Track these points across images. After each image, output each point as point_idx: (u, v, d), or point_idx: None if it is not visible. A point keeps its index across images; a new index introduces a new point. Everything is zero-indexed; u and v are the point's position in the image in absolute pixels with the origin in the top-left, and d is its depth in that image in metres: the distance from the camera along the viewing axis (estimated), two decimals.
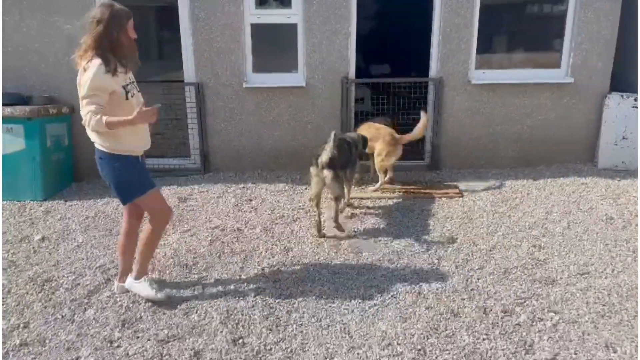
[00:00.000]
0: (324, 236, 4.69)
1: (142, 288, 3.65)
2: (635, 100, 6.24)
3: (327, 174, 4.61)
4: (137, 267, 3.69)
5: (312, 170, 4.77)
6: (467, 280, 3.96)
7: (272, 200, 5.60)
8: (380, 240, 4.63)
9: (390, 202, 5.53)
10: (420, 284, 3.91)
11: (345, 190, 5.24)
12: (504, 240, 4.63)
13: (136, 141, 3.41)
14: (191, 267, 4.16)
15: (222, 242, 4.60)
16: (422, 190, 5.80)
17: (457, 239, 4.66)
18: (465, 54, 6.23)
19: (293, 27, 6.16)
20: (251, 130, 6.40)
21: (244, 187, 5.95)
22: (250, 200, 5.59)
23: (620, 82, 6.53)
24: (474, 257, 4.34)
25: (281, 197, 5.69)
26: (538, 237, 4.69)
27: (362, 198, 5.61)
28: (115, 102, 3.24)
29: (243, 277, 4.03)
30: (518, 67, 6.51)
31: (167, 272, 4.09)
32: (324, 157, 4.60)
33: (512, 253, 4.40)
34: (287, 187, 5.94)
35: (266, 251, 4.45)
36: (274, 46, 6.40)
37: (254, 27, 6.13)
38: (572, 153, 6.59)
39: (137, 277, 3.68)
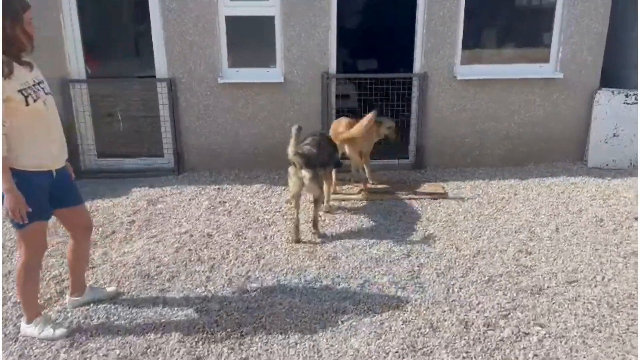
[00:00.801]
0: (299, 241, 4.42)
1: (36, 331, 3.15)
2: (627, 96, 6.01)
3: (306, 173, 4.34)
4: (24, 310, 3.18)
5: (290, 170, 4.50)
6: (448, 290, 3.70)
7: (247, 202, 5.32)
8: (358, 246, 4.37)
9: (371, 203, 5.26)
10: (399, 294, 3.65)
11: (325, 191, 4.98)
12: (489, 245, 4.39)
13: (40, 155, 2.89)
14: (153, 278, 3.87)
15: (190, 249, 4.31)
16: (405, 193, 5.54)
17: (439, 243, 4.41)
18: (451, 49, 5.96)
19: (270, 19, 5.85)
20: (227, 128, 6.11)
21: (218, 188, 5.66)
22: (224, 202, 5.31)
23: (610, 78, 6.30)
24: (457, 263, 4.09)
25: (257, 198, 5.41)
26: (525, 241, 4.45)
27: (343, 199, 5.34)
28: (13, 110, 2.72)
29: (209, 287, 3.75)
30: (505, 62, 6.24)
31: (127, 283, 3.80)
32: (290, 149, 4.33)
33: (497, 259, 4.15)
34: (264, 188, 5.66)
35: (236, 259, 4.17)
36: (250, 40, 6.10)
37: (229, 19, 5.83)
38: (562, 151, 6.36)
39: (29, 321, 3.18)
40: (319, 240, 4.49)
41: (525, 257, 4.19)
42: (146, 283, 3.80)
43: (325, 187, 4.91)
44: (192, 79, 5.92)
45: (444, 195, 5.44)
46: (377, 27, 8.89)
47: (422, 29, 5.91)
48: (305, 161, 4.35)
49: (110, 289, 3.65)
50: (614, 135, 6.16)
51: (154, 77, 5.96)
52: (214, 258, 4.17)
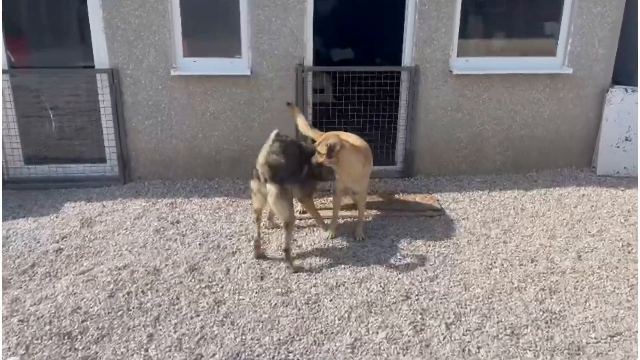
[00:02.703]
0: (262, 256, 3.68)
1: None
2: None
3: (271, 188, 3.45)
4: None
5: (253, 184, 3.60)
6: (464, 351, 2.88)
7: (206, 221, 4.37)
8: (344, 283, 3.50)
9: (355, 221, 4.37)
10: (401, 359, 2.80)
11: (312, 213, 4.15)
12: (504, 281, 3.58)
13: None
14: (75, 339, 2.91)
15: (129, 292, 3.35)
16: (396, 209, 4.69)
17: (443, 279, 3.58)
18: (446, 38, 5.11)
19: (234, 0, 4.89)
20: (184, 130, 5.12)
21: (172, 203, 4.69)
22: (178, 222, 4.35)
23: (621, 75, 5.57)
24: (468, 308, 3.27)
25: (219, 215, 4.47)
26: (545, 274, 3.67)
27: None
28: None
29: (150, 352, 2.82)
30: (507, 54, 5.44)
31: (39, 348, 2.83)
32: (261, 158, 3.46)
33: (517, 301, 3.35)
34: (227, 203, 4.72)
35: (189, 305, 3.24)
36: (211, 24, 5.11)
37: None
38: (567, 156, 5.62)
39: None
40: (294, 274, 3.60)
41: (550, 297, 3.39)
42: (65, 348, 2.84)
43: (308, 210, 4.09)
44: (139, 70, 4.90)
45: (440, 212, 4.62)
46: (362, 12, 7.96)
47: (414, 14, 5.04)
48: (272, 173, 3.46)
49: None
50: (627, 139, 5.45)
51: (91, 67, 4.92)
52: (160, 305, 3.23)
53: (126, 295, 3.31)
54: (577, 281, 3.59)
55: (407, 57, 5.22)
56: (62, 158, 5.20)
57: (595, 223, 4.44)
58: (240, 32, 4.97)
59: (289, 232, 3.61)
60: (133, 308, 3.19)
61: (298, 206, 4.44)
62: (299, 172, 3.84)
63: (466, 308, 3.27)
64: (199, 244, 3.98)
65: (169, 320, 3.09)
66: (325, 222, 4.23)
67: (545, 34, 5.50)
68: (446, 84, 5.24)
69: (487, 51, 5.47)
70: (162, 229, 4.20)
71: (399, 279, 3.58)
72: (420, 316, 3.18)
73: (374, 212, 4.59)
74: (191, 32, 4.97)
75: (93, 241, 4.01)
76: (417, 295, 3.40)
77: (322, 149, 3.75)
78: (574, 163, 5.64)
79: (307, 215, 4.35)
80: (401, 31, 5.21)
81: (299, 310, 3.21)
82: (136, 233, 4.14)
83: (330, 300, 3.32)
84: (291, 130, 5.16)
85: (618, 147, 5.47)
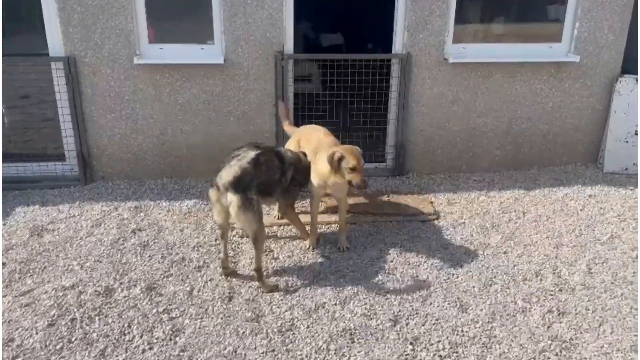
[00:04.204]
0: (231, 274, 3.29)
1: None
2: None
3: (233, 198, 2.99)
4: None
5: (211, 193, 3.14)
6: None
7: (172, 229, 3.91)
8: (324, 305, 3.05)
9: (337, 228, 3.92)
10: None
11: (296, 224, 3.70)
12: (505, 300, 3.15)
13: None
14: None
15: (73, 318, 2.89)
16: (385, 213, 4.24)
17: (437, 297, 3.14)
18: (441, 22, 4.62)
19: None
20: (150, 124, 4.62)
21: (136, 208, 4.21)
22: (141, 230, 3.87)
23: (630, 63, 5.10)
24: (466, 336, 2.83)
25: (187, 222, 4.00)
26: (552, 292, 3.24)
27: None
28: None
29: None
30: (507, 40, 4.96)
31: None
32: (225, 175, 3.00)
33: (522, 325, 2.92)
34: (197, 207, 4.25)
35: (141, 336, 2.78)
36: (179, 5, 4.59)
37: None
38: (572, 152, 5.18)
39: None
40: (267, 295, 3.14)
41: (559, 321, 2.97)
42: None
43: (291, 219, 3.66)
44: (98, 57, 4.38)
45: (434, 216, 4.17)
46: None
47: None
48: (234, 181, 3.00)
49: None
50: (636, 133, 5.01)
51: (46, 55, 4.40)
52: (108, 335, 2.77)
53: (69, 323, 2.84)
54: (589, 300, 3.16)
55: (398, 43, 4.73)
56: (17, 155, 4.69)
57: (605, 228, 4.01)
58: (212, 15, 4.46)
59: (259, 249, 3.14)
60: (76, 340, 2.73)
61: (272, 211, 4.00)
62: (279, 181, 3.38)
63: (463, 336, 2.83)
64: (162, 257, 3.51)
65: (117, 356, 2.63)
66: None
67: (549, 18, 5.03)
68: (441, 73, 4.76)
69: (485, 37, 5.00)
70: (121, 239, 3.72)
71: (386, 298, 3.14)
72: (410, 346, 2.74)
73: (361, 216, 4.14)
74: (157, 14, 4.46)
75: (41, 254, 3.54)
76: (407, 319, 2.96)
77: (354, 162, 3.27)
78: (579, 159, 5.21)
79: (285, 221, 3.90)
80: (392, 14, 4.72)
81: (270, 340, 2.76)
82: (91, 244, 3.66)
83: (307, 327, 2.87)
84: (271, 125, 4.71)
85: (627, 141, 5.03)
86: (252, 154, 3.18)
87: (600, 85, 4.98)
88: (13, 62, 4.41)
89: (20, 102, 4.93)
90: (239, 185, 3.00)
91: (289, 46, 4.61)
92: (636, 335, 2.86)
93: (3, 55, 4.39)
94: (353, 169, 3.27)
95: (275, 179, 3.33)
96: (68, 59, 4.32)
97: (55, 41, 4.34)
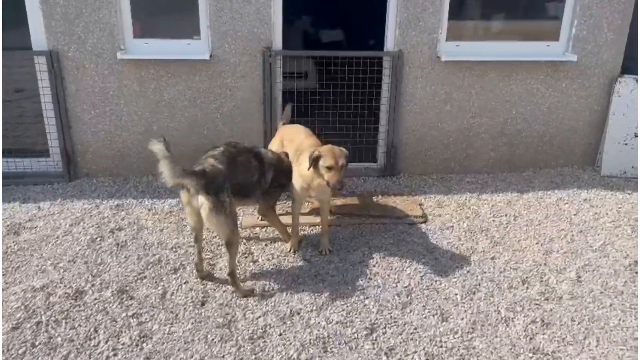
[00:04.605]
0: (207, 277, 3.21)
1: None
2: None
3: (203, 201, 2.89)
4: None
5: (182, 195, 3.05)
6: None
7: (152, 228, 3.82)
8: (299, 312, 2.96)
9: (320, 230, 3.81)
10: None
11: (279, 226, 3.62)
12: (489, 309, 3.03)
13: None
14: None
15: (39, 322, 2.81)
16: (370, 213, 4.13)
17: (417, 305, 3.03)
18: (434, 19, 4.49)
19: None
20: (135, 121, 4.54)
21: (117, 206, 4.13)
22: (120, 229, 3.79)
23: (630, 62, 4.94)
24: (444, 347, 2.73)
25: (167, 222, 3.92)
26: (538, 301, 3.12)
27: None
28: None
29: None
30: (503, 38, 4.82)
31: None
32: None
33: (503, 337, 2.81)
34: (179, 206, 4.15)
35: (107, 341, 2.70)
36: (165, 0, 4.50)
37: None
38: (569, 154, 5.04)
39: None
40: (242, 300, 3.05)
41: (543, 333, 2.85)
42: None
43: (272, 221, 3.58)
44: (82, 52, 4.29)
45: (422, 219, 4.06)
46: None
47: None
48: (205, 183, 2.89)
49: None
50: (635, 136, 4.85)
51: (29, 49, 4.31)
52: (73, 340, 2.69)
53: (34, 327, 2.76)
54: (576, 310, 3.04)
55: (390, 40, 4.60)
56: (6, 150, 4.61)
57: (598, 235, 3.88)
58: (199, 9, 4.35)
59: (233, 254, 3.04)
60: (39, 344, 2.65)
61: (255, 211, 3.90)
62: (257, 183, 3.29)
63: (441, 346, 2.73)
64: (137, 258, 3.43)
65: None
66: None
67: (546, 16, 4.88)
68: (434, 72, 4.63)
69: (480, 35, 4.86)
70: (98, 239, 3.64)
71: (365, 305, 3.03)
72: (385, 357, 2.64)
73: (346, 218, 4.03)
74: (142, 8, 4.35)
75: (16, 252, 3.47)
76: (384, 327, 2.85)
77: (331, 161, 3.18)
78: (576, 162, 5.06)
79: (266, 222, 3.80)
80: (384, 10, 4.59)
81: (239, 348, 2.67)
82: (68, 243, 3.58)
83: (280, 335, 2.77)
84: (259, 124, 4.61)
85: (626, 144, 4.88)
86: (217, 152, 3.10)
87: (599, 85, 4.83)
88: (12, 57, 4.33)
89: (14, 96, 4.85)
90: (210, 186, 2.90)
91: (278, 42, 4.50)
92: (622, 349, 2.73)
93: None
94: (330, 168, 3.17)
95: (253, 180, 3.24)
96: (50, 53, 4.24)
97: (38, 35, 4.25)
